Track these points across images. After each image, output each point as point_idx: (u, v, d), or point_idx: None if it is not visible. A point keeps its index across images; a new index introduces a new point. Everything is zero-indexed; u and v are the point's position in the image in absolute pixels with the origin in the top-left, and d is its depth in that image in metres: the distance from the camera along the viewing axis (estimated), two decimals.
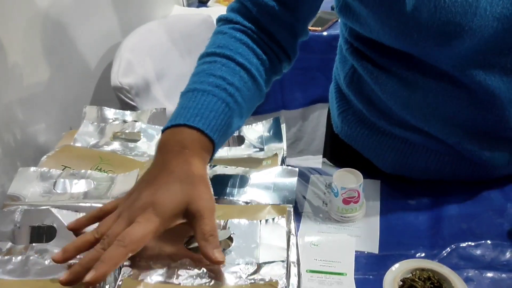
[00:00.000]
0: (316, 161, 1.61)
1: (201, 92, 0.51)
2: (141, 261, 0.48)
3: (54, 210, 0.51)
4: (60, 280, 0.43)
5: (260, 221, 0.51)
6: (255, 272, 0.47)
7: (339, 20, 0.70)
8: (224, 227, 0.51)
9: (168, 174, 0.47)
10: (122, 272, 0.48)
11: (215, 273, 0.46)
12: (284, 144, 0.69)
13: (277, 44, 0.59)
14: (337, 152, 0.79)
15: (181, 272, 0.47)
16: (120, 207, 0.47)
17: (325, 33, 1.44)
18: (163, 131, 0.51)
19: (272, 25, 0.58)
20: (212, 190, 0.49)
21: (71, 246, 0.45)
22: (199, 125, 0.49)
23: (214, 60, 0.54)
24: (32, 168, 0.62)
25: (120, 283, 0.47)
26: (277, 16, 0.57)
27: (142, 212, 0.44)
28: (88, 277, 0.41)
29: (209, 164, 0.54)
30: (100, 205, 0.56)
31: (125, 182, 0.61)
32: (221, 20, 0.60)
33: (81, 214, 0.52)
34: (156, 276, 0.47)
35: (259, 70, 0.57)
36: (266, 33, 0.58)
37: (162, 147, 0.49)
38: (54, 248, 0.49)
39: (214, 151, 0.52)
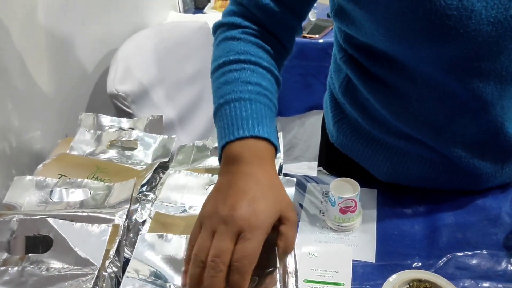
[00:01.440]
0: (312, 167, 1.61)
1: (248, 101, 0.52)
2: None
3: (50, 220, 0.51)
4: None
5: None
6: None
7: (334, 28, 0.70)
8: None
9: (257, 184, 0.47)
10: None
11: None
12: (281, 153, 0.69)
13: (280, 43, 0.61)
14: (333, 160, 0.79)
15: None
16: (209, 223, 0.45)
17: (321, 41, 1.45)
18: (226, 144, 0.50)
19: (276, 26, 0.59)
20: None
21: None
22: (265, 134, 0.50)
23: (242, 67, 0.55)
24: (28, 177, 0.62)
25: None
26: (279, 18, 0.58)
27: (245, 224, 0.43)
28: None
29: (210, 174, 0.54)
30: (97, 215, 0.56)
31: (122, 191, 0.61)
32: (224, 25, 0.60)
33: (78, 224, 0.52)
34: None
35: (277, 69, 0.59)
36: (271, 34, 0.59)
37: (237, 159, 0.49)
38: (50, 259, 0.49)
39: (276, 156, 0.53)
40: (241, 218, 0.43)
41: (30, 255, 0.50)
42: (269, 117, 0.52)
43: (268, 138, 0.50)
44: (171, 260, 0.49)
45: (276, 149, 0.52)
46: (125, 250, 0.54)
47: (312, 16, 1.60)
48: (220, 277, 0.42)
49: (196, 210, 0.57)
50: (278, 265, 0.46)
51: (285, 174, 0.67)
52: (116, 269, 0.50)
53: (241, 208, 0.44)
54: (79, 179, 0.63)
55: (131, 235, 0.56)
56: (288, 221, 0.47)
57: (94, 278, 0.47)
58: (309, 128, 1.65)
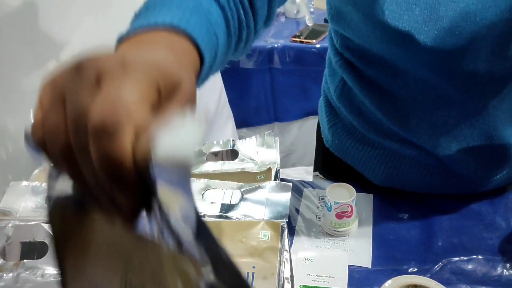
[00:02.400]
0: (309, 171, 1.61)
1: (175, 5, 0.36)
2: None
3: (45, 226, 0.51)
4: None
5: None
6: None
7: (328, 32, 0.70)
8: None
9: (151, 43, 0.32)
10: None
11: None
12: (277, 158, 0.69)
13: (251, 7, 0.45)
14: (329, 165, 0.79)
15: None
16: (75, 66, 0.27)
17: (318, 46, 1.46)
18: (120, 39, 0.35)
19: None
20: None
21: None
22: (189, 28, 0.33)
23: None
24: (24, 182, 0.62)
25: None
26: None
27: (120, 69, 0.26)
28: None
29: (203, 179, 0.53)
30: None
31: None
32: None
33: None
34: None
35: (234, 26, 0.42)
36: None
37: (137, 42, 0.33)
38: (46, 265, 0.49)
39: (200, 74, 0.35)
40: (114, 63, 0.27)
41: (25, 261, 0.49)
42: (203, 25, 0.35)
43: (191, 34, 0.33)
44: None
45: (203, 59, 0.34)
46: None
47: (309, 21, 1.61)
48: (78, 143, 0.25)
49: None
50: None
51: (281, 179, 0.67)
52: None
53: (116, 55, 0.29)
54: None
55: None
56: (180, 84, 0.28)
57: None
58: (306, 134, 1.65)
